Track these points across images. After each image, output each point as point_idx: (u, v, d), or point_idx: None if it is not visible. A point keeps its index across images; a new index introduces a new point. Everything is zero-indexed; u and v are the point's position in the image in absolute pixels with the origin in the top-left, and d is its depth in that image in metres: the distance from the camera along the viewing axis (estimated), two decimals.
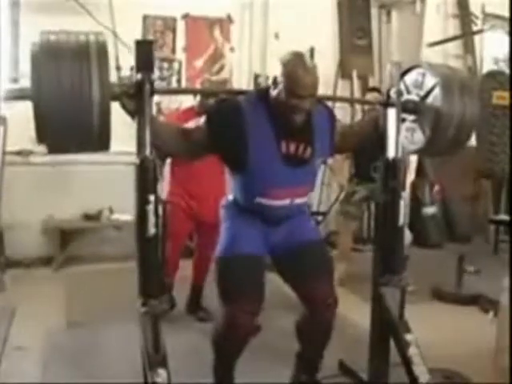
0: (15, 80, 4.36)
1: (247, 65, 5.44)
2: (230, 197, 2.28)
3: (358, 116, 5.42)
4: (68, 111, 1.70)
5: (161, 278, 1.92)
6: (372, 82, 5.82)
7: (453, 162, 4.55)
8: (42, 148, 1.88)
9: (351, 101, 5.88)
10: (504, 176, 5.47)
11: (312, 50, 4.89)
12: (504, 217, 5.55)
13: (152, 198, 1.85)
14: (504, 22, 5.86)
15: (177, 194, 3.34)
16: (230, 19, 5.34)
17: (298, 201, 2.17)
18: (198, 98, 3.31)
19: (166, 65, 5.15)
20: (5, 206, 4.03)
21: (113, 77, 1.84)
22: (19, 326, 3.30)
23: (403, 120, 2.41)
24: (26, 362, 2.86)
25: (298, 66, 1.95)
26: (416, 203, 5.25)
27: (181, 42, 5.19)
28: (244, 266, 2.14)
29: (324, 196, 5.59)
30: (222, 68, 5.34)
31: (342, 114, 5.01)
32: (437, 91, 2.28)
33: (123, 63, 4.06)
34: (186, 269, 3.51)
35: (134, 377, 2.09)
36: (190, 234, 3.63)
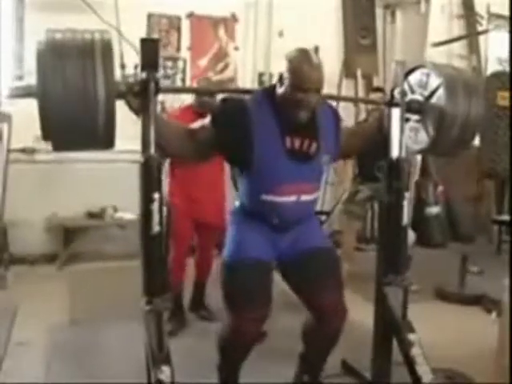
0: (20, 77, 4.38)
1: (251, 63, 5.45)
2: (237, 203, 2.25)
3: (362, 115, 5.41)
4: (73, 109, 1.70)
5: (165, 276, 1.91)
6: (376, 82, 5.83)
7: (456, 162, 4.55)
8: (46, 145, 1.89)
9: (355, 100, 5.87)
10: (507, 176, 5.47)
11: (316, 49, 4.91)
12: (506, 217, 5.55)
13: (156, 196, 1.85)
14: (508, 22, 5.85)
15: (177, 196, 3.32)
16: (234, 18, 5.36)
17: (305, 198, 2.13)
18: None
19: (170, 63, 5.16)
20: (9, 203, 4.05)
21: (117, 75, 1.83)
22: (22, 323, 3.30)
23: (407, 120, 2.40)
24: (28, 360, 2.87)
25: (303, 61, 1.95)
26: (419, 203, 5.23)
27: (185, 40, 5.20)
28: (251, 271, 2.08)
29: (328, 195, 5.58)
30: (226, 67, 5.35)
31: (346, 113, 5.01)
32: (441, 91, 2.27)
33: (127, 61, 4.07)
34: (188, 267, 3.49)
35: (136, 374, 2.09)
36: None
